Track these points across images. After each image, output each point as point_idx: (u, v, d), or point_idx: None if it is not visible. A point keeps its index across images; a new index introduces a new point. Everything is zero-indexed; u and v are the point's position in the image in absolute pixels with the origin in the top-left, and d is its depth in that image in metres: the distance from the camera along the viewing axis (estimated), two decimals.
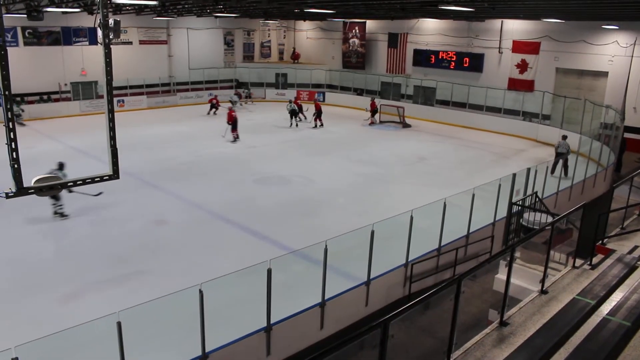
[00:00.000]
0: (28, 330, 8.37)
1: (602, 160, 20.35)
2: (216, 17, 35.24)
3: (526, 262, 10.01)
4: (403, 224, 11.60)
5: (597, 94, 26.49)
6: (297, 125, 28.76)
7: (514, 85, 29.75)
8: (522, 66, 29.40)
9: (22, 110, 27.52)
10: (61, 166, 14.82)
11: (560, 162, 19.44)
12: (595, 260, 9.53)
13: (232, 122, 24.73)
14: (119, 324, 7.11)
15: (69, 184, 5.52)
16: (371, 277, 11.02)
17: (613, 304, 7.74)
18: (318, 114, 28.77)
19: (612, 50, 25.82)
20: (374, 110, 30.09)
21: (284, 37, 43.09)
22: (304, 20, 40.07)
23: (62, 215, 14.84)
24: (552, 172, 18.77)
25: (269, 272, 8.68)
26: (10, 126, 5.07)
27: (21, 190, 5.27)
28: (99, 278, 11.54)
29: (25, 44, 29.89)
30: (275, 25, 41.84)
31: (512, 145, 25.70)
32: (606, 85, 26.41)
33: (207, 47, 38.51)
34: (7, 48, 5.01)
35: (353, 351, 5.45)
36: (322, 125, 28.67)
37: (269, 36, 42.15)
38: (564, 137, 20.46)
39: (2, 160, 5.70)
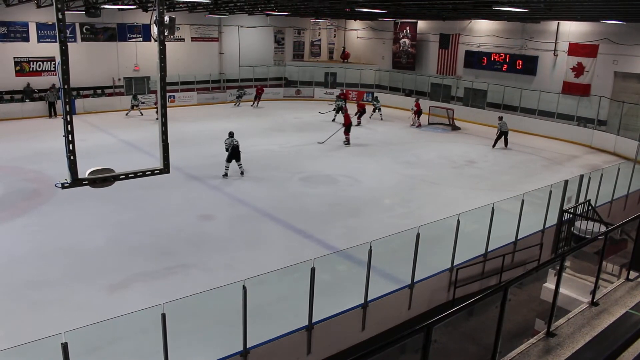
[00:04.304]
0: (77, 317, 8.65)
1: None
2: (267, 15, 35.58)
3: (576, 272, 9.69)
4: (449, 228, 11.44)
5: None
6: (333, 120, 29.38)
7: (569, 89, 28.78)
8: (578, 69, 28.44)
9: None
10: (231, 134, 18.71)
11: (503, 138, 24.60)
12: None
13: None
14: (163, 316, 7.25)
15: (121, 176, 5.65)
16: (415, 280, 10.91)
17: None
18: (361, 113, 29.42)
19: None
20: (419, 112, 29.75)
21: (334, 37, 43.11)
22: (355, 20, 39.94)
23: None
24: (494, 146, 24.71)
25: (313, 270, 8.69)
26: (68, 119, 5.21)
27: (76, 181, 5.42)
28: (145, 270, 11.82)
29: (83, 39, 30.89)
30: (325, 24, 41.91)
31: (565, 151, 24.96)
32: None
33: (257, 45, 38.88)
34: (67, 43, 5.14)
35: (394, 354, 5.39)
36: (359, 124, 28.92)
37: (319, 35, 42.26)
38: (501, 118, 25.25)
39: (59, 152, 5.88)
